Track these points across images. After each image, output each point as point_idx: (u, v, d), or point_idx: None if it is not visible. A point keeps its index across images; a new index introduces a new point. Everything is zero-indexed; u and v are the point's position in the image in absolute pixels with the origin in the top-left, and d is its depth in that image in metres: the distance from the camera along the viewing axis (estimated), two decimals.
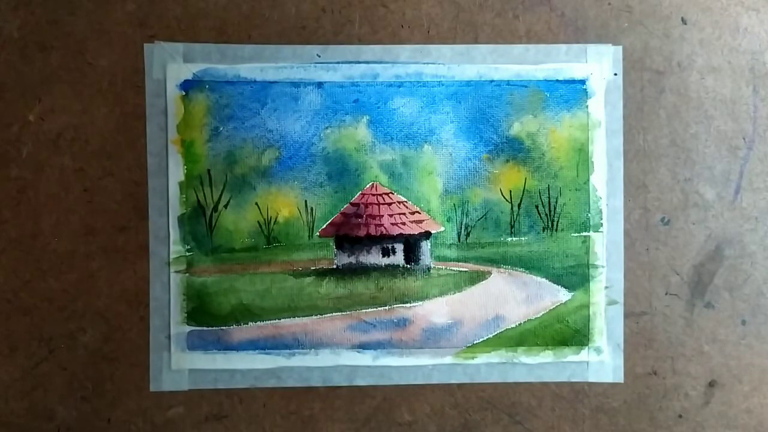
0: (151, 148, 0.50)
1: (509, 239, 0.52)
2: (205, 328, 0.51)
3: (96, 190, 0.50)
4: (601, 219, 0.52)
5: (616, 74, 0.52)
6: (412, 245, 0.52)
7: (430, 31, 0.51)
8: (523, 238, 0.52)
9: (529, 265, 0.52)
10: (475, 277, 0.52)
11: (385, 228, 0.51)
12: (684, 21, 0.52)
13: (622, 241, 0.52)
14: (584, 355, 0.52)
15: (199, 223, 0.51)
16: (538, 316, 0.52)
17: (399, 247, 0.52)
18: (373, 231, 0.51)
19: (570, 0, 0.52)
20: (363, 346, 0.51)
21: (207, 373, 0.51)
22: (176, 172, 0.50)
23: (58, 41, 0.50)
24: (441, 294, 0.52)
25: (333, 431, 0.51)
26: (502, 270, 0.52)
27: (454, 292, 0.52)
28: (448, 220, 0.52)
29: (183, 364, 0.50)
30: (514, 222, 0.52)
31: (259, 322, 0.51)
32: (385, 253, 0.52)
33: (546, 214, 0.52)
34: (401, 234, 0.51)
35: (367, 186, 0.51)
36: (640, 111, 0.52)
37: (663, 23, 0.52)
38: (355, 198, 0.51)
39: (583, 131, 0.52)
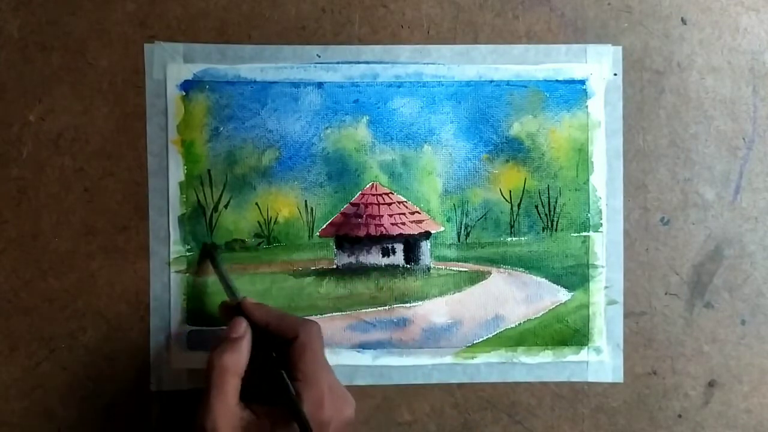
0: (151, 148, 0.50)
1: (509, 239, 0.52)
2: (205, 328, 0.51)
3: (96, 190, 0.50)
4: (601, 219, 0.52)
5: (615, 74, 0.52)
6: (411, 245, 0.52)
7: (430, 31, 0.51)
8: (522, 238, 0.52)
9: (529, 265, 0.52)
10: (475, 277, 0.52)
11: (385, 228, 0.51)
12: (684, 21, 0.52)
13: (621, 241, 0.52)
14: (584, 355, 0.52)
15: (199, 223, 0.51)
16: (538, 316, 0.52)
17: (399, 247, 0.52)
18: (373, 231, 0.51)
19: (570, 0, 0.52)
20: (363, 346, 0.51)
21: None
22: (176, 172, 0.50)
23: (58, 41, 0.50)
24: (441, 294, 0.52)
25: None
26: (501, 270, 0.52)
27: (454, 292, 0.52)
28: (447, 220, 0.52)
29: (183, 363, 0.50)
30: (514, 222, 0.52)
31: None
32: (385, 253, 0.52)
33: (546, 214, 0.52)
34: (401, 234, 0.51)
35: (367, 186, 0.51)
36: (639, 111, 0.52)
37: (663, 23, 0.52)
38: (355, 198, 0.51)
39: (583, 131, 0.52)
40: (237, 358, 0.42)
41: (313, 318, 0.51)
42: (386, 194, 0.51)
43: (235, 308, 0.45)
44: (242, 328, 0.43)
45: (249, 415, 0.41)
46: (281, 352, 0.43)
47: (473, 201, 0.52)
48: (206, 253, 0.50)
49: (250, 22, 0.51)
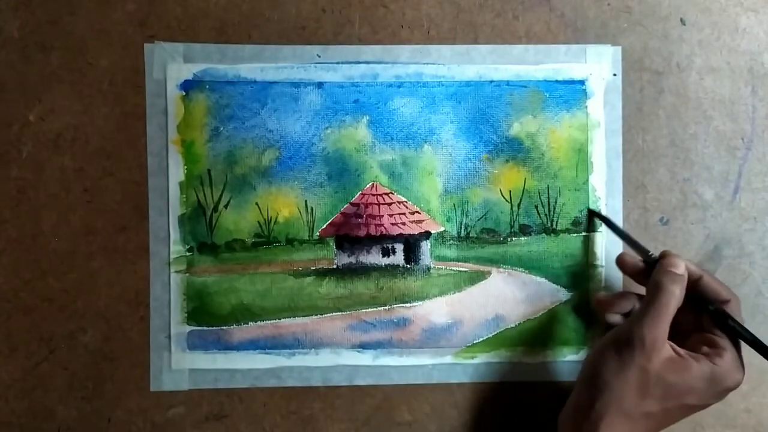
0: (151, 148, 0.50)
1: (509, 239, 0.52)
2: (205, 328, 0.51)
3: (96, 190, 0.50)
4: None
5: (615, 75, 0.52)
6: (412, 245, 0.52)
7: (430, 32, 0.51)
8: (522, 238, 0.52)
9: (529, 265, 0.52)
10: (475, 277, 0.52)
11: (385, 228, 0.51)
12: (683, 21, 0.52)
13: (621, 241, 0.52)
14: (584, 354, 0.52)
15: (199, 223, 0.51)
16: (538, 315, 0.52)
17: (399, 247, 0.52)
18: (373, 231, 0.51)
19: (570, 0, 0.52)
20: (363, 346, 0.51)
21: (207, 372, 0.51)
22: (176, 172, 0.50)
23: (58, 41, 0.50)
24: (441, 294, 0.52)
25: (333, 431, 0.51)
26: (501, 270, 0.52)
27: (454, 292, 0.52)
28: (448, 220, 0.52)
29: (183, 364, 0.50)
30: (514, 222, 0.52)
31: (259, 322, 0.51)
32: (385, 253, 0.52)
33: (546, 214, 0.52)
34: (401, 234, 0.51)
35: (367, 186, 0.51)
36: (639, 111, 0.52)
37: (662, 24, 0.52)
38: (355, 198, 0.51)
39: (583, 131, 0.52)
40: (682, 292, 0.43)
41: (313, 318, 0.51)
42: (386, 194, 0.51)
43: (649, 263, 0.46)
44: (683, 267, 0.44)
45: (670, 347, 0.43)
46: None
47: (473, 201, 0.52)
48: (595, 215, 0.51)
49: (250, 22, 0.51)
